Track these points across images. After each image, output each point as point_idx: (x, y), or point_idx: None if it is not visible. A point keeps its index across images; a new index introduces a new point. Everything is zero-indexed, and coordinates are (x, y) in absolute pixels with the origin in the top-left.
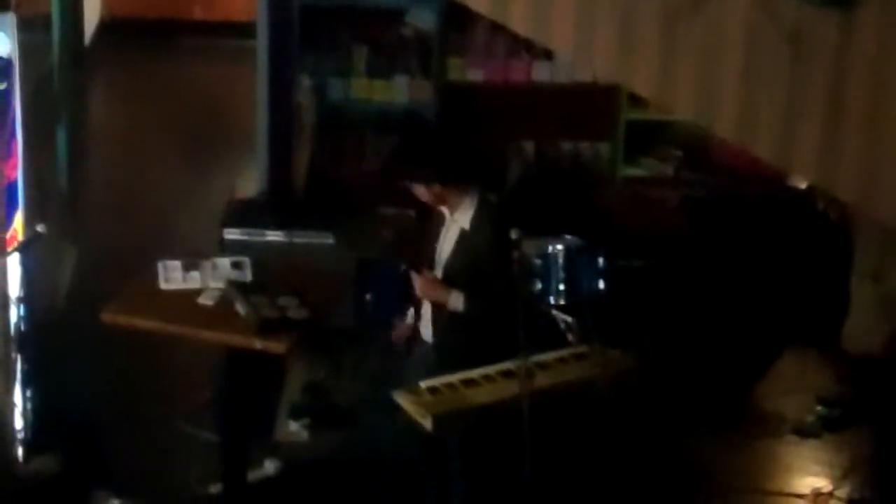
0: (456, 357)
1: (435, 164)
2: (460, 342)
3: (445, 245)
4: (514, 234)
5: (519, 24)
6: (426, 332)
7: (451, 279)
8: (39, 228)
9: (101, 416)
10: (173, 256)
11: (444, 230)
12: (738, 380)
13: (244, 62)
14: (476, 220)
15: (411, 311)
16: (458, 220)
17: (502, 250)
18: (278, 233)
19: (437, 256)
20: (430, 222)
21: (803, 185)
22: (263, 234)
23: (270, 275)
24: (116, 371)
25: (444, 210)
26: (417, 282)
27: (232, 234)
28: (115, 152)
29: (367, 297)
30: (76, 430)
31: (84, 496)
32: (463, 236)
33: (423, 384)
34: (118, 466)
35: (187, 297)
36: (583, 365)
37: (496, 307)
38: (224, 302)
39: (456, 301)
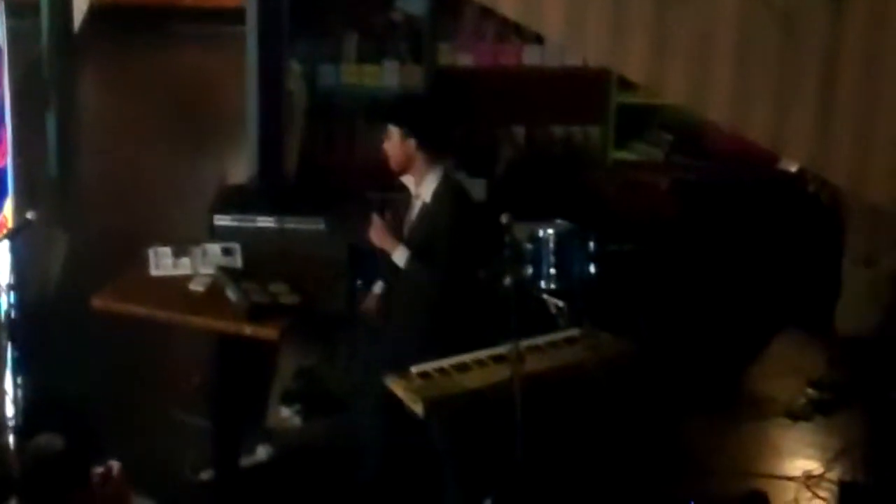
0: (411, 337)
1: (419, 119)
2: (415, 319)
3: (410, 221)
4: (504, 219)
5: (509, 8)
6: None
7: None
8: (29, 215)
9: (92, 403)
10: (164, 243)
11: (410, 209)
12: (729, 363)
13: (234, 48)
14: (438, 195)
15: (379, 284)
16: (421, 194)
17: (457, 227)
18: (269, 219)
19: (404, 234)
20: (400, 204)
21: (794, 169)
22: (254, 220)
23: (261, 261)
24: (107, 358)
25: (410, 185)
26: (372, 225)
27: (222, 220)
28: (105, 139)
29: (359, 282)
30: (67, 418)
31: (87, 473)
32: (423, 210)
33: (414, 369)
34: (109, 454)
35: (178, 284)
36: (574, 349)
37: (439, 278)
38: (215, 288)
39: (400, 256)
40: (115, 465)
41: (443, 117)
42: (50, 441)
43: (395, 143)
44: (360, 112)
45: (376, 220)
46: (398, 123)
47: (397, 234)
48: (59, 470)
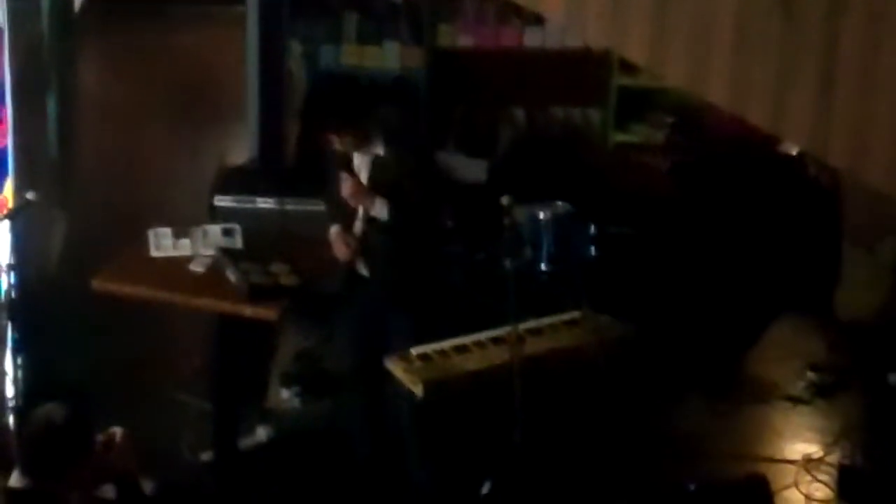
0: (395, 290)
1: (336, 115)
2: (395, 272)
3: (366, 177)
4: (505, 201)
5: None
6: (362, 268)
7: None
8: (29, 196)
9: (91, 384)
10: (164, 224)
11: (358, 170)
12: (729, 346)
13: (235, 29)
14: (389, 145)
15: (334, 227)
16: (371, 151)
17: (420, 163)
18: (269, 200)
19: None
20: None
21: (795, 152)
22: (254, 202)
23: (261, 242)
24: (107, 339)
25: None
26: (346, 184)
27: (222, 201)
28: (106, 119)
29: None
30: (67, 398)
31: (90, 442)
32: (377, 160)
33: (414, 351)
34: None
35: (178, 265)
36: (574, 331)
37: (418, 218)
38: (215, 269)
39: (381, 208)
40: (118, 431)
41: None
42: (52, 411)
43: (349, 134)
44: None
45: (348, 177)
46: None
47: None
48: (62, 439)
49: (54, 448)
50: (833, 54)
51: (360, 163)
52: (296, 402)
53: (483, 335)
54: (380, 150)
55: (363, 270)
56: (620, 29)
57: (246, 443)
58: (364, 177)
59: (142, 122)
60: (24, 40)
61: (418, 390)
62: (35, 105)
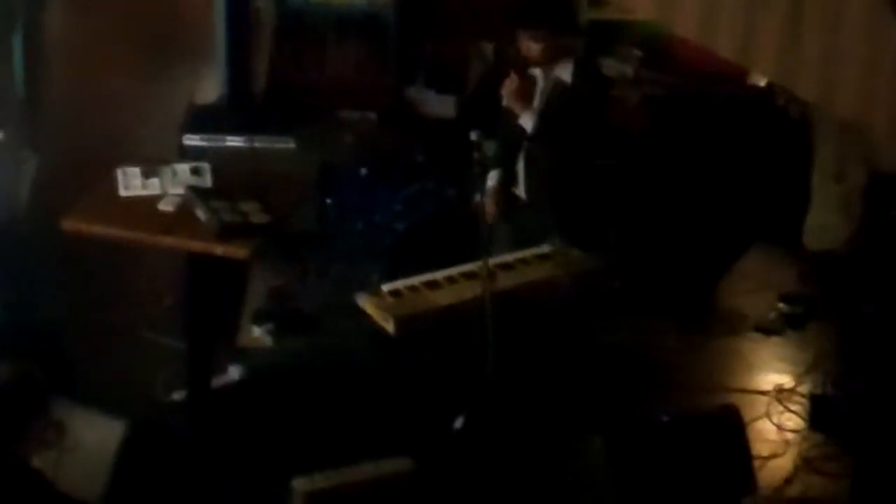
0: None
1: (564, 14)
2: (549, 192)
3: (544, 98)
4: (473, 136)
5: None
6: (520, 190)
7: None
8: None
9: (62, 325)
10: (133, 163)
11: (542, 90)
12: (700, 277)
13: None
14: (578, 75)
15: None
16: (557, 75)
17: (595, 106)
18: (238, 138)
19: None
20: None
21: (763, 83)
22: (223, 140)
23: (231, 180)
24: (78, 279)
25: (537, 72)
26: (508, 82)
27: (191, 139)
28: (73, 59)
29: (329, 201)
30: (37, 339)
31: (43, 403)
32: (560, 88)
33: (385, 287)
34: (81, 375)
35: (148, 204)
36: (545, 265)
37: (563, 153)
38: (184, 208)
39: (527, 119)
40: None
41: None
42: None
43: (546, 42)
44: (330, 30)
45: (514, 79)
46: (547, 24)
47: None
48: (11, 398)
49: (4, 408)
50: None
51: (544, 85)
52: (268, 340)
53: (454, 270)
54: (567, 77)
55: (522, 193)
56: None
57: (218, 381)
58: (544, 95)
59: (110, 60)
60: None
61: (390, 326)
62: (1, 45)
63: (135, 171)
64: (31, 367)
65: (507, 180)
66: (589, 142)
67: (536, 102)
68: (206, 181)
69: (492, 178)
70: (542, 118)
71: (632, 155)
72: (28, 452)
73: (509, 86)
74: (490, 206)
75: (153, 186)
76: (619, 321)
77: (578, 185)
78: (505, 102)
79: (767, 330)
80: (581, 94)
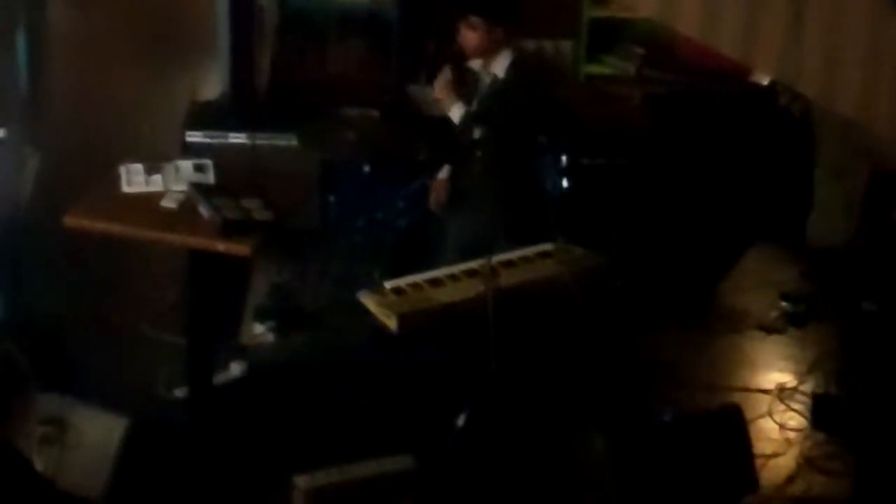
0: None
1: (502, 4)
2: (484, 188)
3: (480, 93)
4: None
5: None
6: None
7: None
8: (0, 133)
9: (64, 322)
10: (135, 160)
11: (479, 84)
12: (702, 276)
13: None
14: (512, 68)
15: (445, 169)
16: (493, 70)
17: (527, 100)
18: (241, 135)
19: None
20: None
21: (766, 82)
22: (226, 137)
23: (233, 177)
24: (80, 276)
25: (477, 65)
26: (441, 75)
27: (194, 136)
28: (77, 55)
29: (331, 198)
30: (39, 336)
31: (23, 382)
32: (495, 82)
33: (387, 284)
34: (83, 372)
35: (150, 201)
36: (547, 263)
37: (498, 145)
38: (187, 204)
39: (456, 112)
40: None
41: None
42: None
43: (481, 31)
44: (332, 27)
45: (447, 71)
46: (485, 12)
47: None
48: None
49: None
50: None
51: (482, 78)
52: (269, 337)
53: (457, 268)
54: (501, 72)
55: None
56: None
57: (220, 378)
58: (481, 90)
59: (112, 57)
60: None
61: (392, 324)
62: (4, 42)
63: (138, 168)
64: (10, 347)
65: (455, 175)
66: (524, 138)
67: (475, 101)
68: (209, 178)
69: (444, 172)
70: (471, 113)
71: (634, 153)
72: (10, 433)
73: (440, 79)
74: (435, 197)
75: (156, 183)
76: (621, 319)
77: (518, 183)
78: (435, 95)
79: (769, 328)
80: (511, 90)
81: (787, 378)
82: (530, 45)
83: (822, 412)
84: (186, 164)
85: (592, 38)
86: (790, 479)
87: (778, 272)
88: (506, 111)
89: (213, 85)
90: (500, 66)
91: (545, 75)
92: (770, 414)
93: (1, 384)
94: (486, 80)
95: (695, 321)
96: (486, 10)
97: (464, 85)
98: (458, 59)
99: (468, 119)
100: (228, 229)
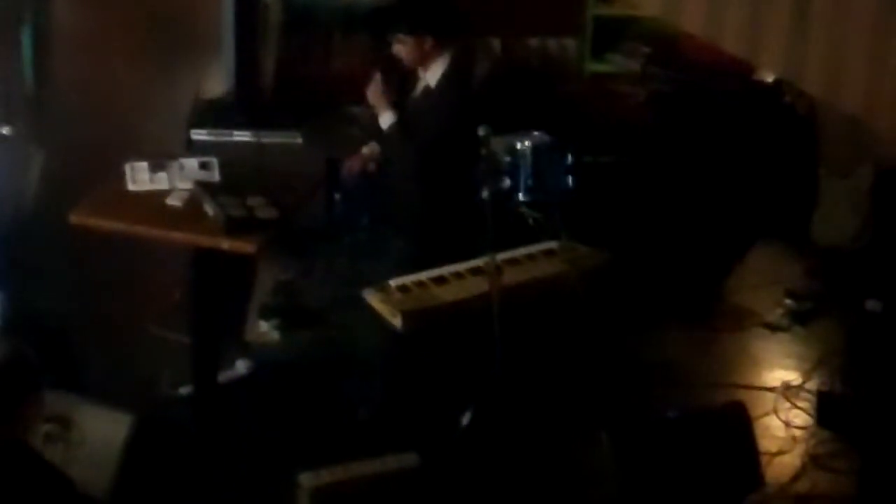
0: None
1: (430, 17)
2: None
3: (413, 100)
4: (482, 131)
5: None
6: None
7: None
8: (5, 131)
9: (70, 320)
10: (141, 157)
11: (415, 91)
12: (707, 274)
13: None
14: (444, 78)
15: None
16: (427, 79)
17: (455, 110)
18: (246, 133)
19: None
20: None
21: (771, 79)
22: (231, 134)
23: (238, 175)
24: (85, 274)
25: (420, 73)
26: (372, 81)
27: (199, 134)
28: (82, 53)
29: (336, 196)
30: (45, 334)
31: (36, 382)
32: (426, 91)
33: (392, 282)
34: (88, 369)
35: (155, 198)
36: (552, 261)
37: (422, 157)
38: (192, 202)
39: (386, 119)
40: None
41: (445, 5)
42: None
43: (410, 45)
44: (337, 25)
45: (378, 77)
46: (413, 30)
47: (392, 102)
48: (4, 377)
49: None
50: None
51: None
52: (274, 335)
53: (461, 266)
54: (433, 82)
55: None
56: None
57: (225, 376)
58: (414, 96)
59: (117, 55)
60: None
61: (397, 322)
62: (9, 39)
63: (143, 166)
64: (23, 346)
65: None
66: (456, 147)
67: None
68: (214, 176)
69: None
70: (396, 122)
71: (638, 151)
72: (23, 432)
73: (371, 85)
74: (348, 166)
75: (161, 181)
76: (626, 317)
77: (440, 194)
78: (369, 100)
79: (774, 326)
80: (438, 99)
81: (792, 376)
82: (533, 43)
83: (827, 410)
84: (191, 162)
85: (597, 36)
86: (795, 476)
87: (783, 270)
88: (434, 121)
89: (218, 83)
90: (433, 75)
91: (543, 72)
92: (775, 412)
93: (17, 383)
94: (419, 89)
95: (700, 319)
96: (406, 28)
97: (404, 93)
98: (388, 66)
99: (394, 128)
100: (233, 227)
